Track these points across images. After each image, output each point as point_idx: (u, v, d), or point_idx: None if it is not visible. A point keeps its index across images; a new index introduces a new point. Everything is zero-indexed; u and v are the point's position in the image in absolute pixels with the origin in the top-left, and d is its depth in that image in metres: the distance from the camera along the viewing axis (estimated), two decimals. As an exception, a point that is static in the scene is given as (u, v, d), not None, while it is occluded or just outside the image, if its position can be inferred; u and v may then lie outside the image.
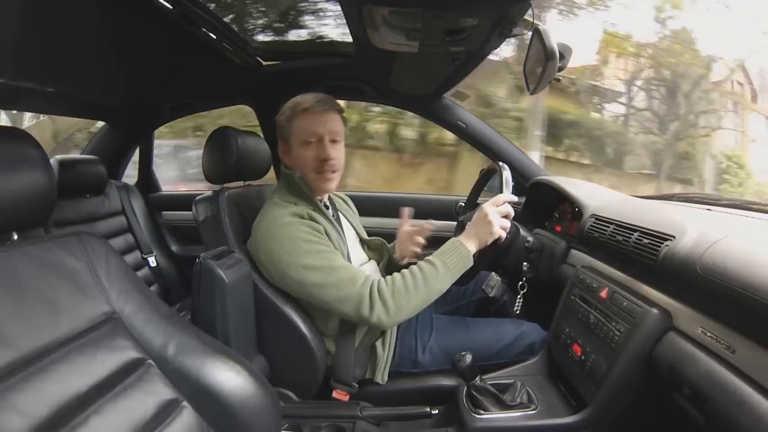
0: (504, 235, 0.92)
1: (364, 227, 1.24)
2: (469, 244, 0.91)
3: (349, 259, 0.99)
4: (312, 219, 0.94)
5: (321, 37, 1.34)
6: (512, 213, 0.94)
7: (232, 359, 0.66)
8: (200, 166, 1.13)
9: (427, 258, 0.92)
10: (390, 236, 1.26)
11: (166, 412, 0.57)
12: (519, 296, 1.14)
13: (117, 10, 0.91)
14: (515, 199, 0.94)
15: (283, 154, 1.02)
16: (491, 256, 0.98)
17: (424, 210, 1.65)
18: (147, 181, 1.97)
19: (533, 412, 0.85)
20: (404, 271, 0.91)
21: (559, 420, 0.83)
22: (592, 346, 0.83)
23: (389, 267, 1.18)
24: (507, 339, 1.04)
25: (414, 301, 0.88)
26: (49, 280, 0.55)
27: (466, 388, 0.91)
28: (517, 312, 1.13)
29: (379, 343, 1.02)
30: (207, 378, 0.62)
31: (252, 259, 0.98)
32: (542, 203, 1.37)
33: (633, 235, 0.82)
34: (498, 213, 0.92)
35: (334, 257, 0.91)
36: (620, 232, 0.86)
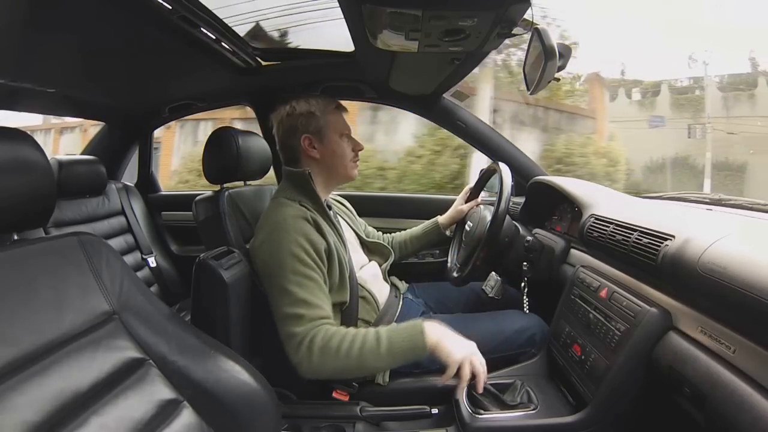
0: (454, 372, 0.82)
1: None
2: (430, 337, 0.83)
3: (349, 262, 1.00)
4: (316, 222, 0.94)
5: (321, 36, 1.34)
6: (480, 372, 0.83)
7: (232, 359, 0.66)
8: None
9: (378, 329, 0.86)
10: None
11: (166, 412, 0.57)
12: (524, 296, 1.14)
13: (116, 10, 0.91)
14: (483, 383, 0.84)
15: (309, 147, 1.02)
16: (490, 255, 0.98)
17: (424, 210, 1.65)
18: (147, 181, 1.97)
19: (533, 411, 0.85)
20: (350, 330, 0.86)
21: (559, 419, 0.83)
22: (592, 346, 0.83)
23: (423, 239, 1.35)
24: (508, 332, 1.04)
25: (340, 366, 0.84)
26: (48, 280, 0.55)
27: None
28: (526, 311, 1.13)
29: (380, 344, 1.01)
30: (207, 378, 0.62)
31: (252, 259, 0.98)
32: (542, 203, 1.37)
33: (632, 234, 0.82)
34: (469, 362, 0.82)
35: (312, 291, 0.87)
36: (620, 232, 0.86)
